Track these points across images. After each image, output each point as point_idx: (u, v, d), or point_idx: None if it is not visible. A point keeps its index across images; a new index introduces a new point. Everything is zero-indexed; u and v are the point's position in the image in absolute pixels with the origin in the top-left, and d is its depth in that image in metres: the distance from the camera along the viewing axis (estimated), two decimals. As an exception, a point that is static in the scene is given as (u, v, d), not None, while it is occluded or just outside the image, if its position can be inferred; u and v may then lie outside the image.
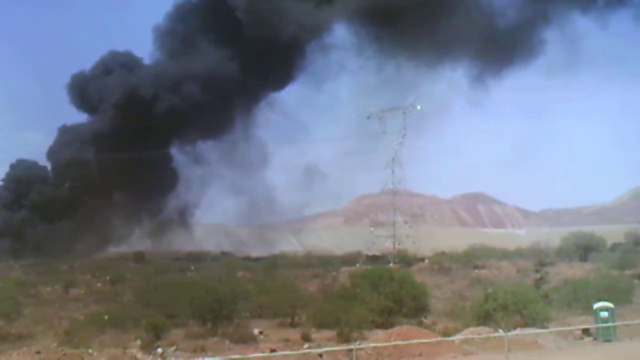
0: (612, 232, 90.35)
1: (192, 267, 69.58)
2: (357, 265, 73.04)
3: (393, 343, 27.75)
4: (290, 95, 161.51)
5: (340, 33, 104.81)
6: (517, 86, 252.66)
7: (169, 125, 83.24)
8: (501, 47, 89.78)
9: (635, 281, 55.45)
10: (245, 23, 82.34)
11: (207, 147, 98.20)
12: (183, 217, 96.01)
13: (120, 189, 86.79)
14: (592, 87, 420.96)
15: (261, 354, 26.05)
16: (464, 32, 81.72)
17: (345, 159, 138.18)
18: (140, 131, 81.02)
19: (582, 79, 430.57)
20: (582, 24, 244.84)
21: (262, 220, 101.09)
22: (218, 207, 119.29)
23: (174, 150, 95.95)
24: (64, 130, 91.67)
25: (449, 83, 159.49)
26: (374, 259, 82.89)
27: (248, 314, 40.25)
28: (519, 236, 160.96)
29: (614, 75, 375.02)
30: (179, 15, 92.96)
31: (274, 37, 76.99)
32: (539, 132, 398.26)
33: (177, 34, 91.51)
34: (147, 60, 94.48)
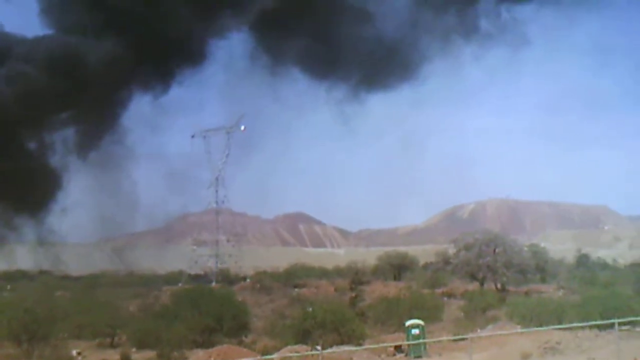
0: (424, 252, 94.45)
1: (8, 287, 66.82)
2: (180, 284, 72.75)
3: (213, 362, 28.24)
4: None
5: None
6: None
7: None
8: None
9: (445, 299, 58.74)
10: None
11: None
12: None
13: None
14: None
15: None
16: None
17: (171, 176, 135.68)
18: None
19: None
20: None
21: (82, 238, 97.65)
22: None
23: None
24: None
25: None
26: (196, 277, 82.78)
27: (66, 335, 39.23)
28: (338, 255, 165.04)
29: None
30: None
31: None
32: (356, 154, 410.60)
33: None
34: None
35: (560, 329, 31.88)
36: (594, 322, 30.91)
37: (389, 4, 73.61)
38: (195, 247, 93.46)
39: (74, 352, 34.61)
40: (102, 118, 68.90)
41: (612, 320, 25.75)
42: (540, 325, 33.19)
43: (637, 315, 33.59)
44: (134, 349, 36.08)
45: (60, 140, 69.27)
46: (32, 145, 67.42)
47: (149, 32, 63.38)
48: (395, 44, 67.52)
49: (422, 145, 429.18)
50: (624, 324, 31.08)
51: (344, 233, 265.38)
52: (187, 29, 65.69)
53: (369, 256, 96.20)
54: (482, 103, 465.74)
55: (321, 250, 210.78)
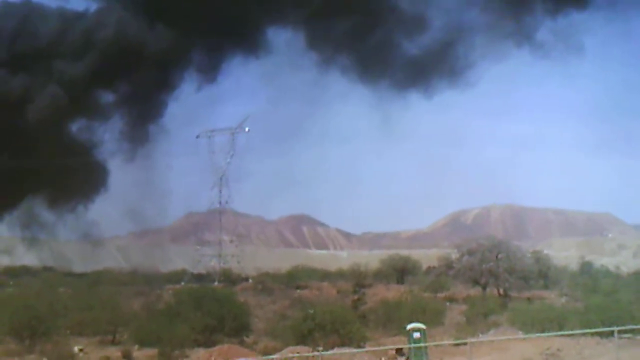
0: (427, 256, 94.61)
1: (11, 283, 66.96)
2: (182, 283, 72.86)
3: (214, 361, 28.34)
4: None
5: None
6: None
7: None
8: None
9: (447, 303, 58.80)
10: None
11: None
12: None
13: None
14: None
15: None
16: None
17: (178, 176, 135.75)
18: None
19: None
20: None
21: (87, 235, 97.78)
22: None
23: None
24: None
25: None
26: (199, 277, 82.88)
27: (68, 331, 39.44)
28: (341, 258, 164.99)
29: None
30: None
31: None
32: (360, 157, 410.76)
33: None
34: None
35: (561, 335, 31.91)
36: (594, 330, 30.93)
37: (441, 6, 74.02)
38: (198, 247, 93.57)
39: (76, 349, 34.68)
40: (149, 104, 69.01)
41: (611, 328, 25.77)
42: (542, 332, 33.18)
43: (638, 324, 33.62)
44: (135, 347, 36.19)
45: (109, 132, 70.16)
46: (82, 137, 67.86)
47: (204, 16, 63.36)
48: (445, 47, 67.41)
49: (444, 151, 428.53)
50: (625, 332, 31.12)
51: (347, 236, 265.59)
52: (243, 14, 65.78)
53: (371, 259, 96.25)
54: (519, 110, 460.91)
55: (324, 252, 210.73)
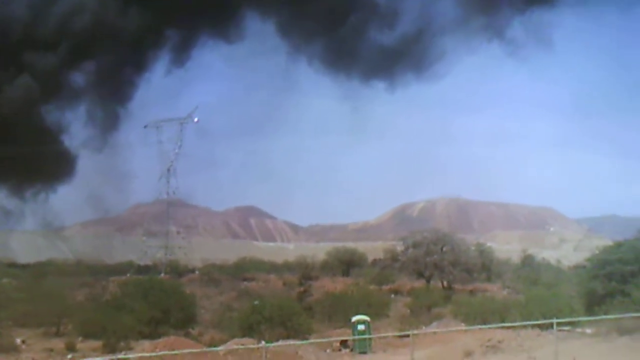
0: (374, 249, 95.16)
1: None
2: (128, 275, 72.34)
3: (158, 353, 28.30)
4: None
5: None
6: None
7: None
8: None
9: (392, 296, 59.42)
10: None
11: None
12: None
13: None
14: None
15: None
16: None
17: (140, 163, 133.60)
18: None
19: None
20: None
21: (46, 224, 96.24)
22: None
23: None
24: None
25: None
26: (145, 269, 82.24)
27: (10, 323, 38.98)
28: (288, 250, 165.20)
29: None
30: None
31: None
32: (309, 150, 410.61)
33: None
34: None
35: (502, 327, 32.55)
36: (534, 322, 31.62)
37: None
38: (145, 238, 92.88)
39: (18, 341, 34.33)
40: (119, 85, 67.85)
41: (551, 320, 26.38)
42: (484, 324, 33.80)
43: (578, 316, 34.49)
44: (79, 339, 35.95)
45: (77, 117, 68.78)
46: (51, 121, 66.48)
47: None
48: (412, 40, 67.61)
49: (394, 144, 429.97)
50: (564, 324, 31.90)
51: (294, 228, 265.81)
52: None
53: (318, 251, 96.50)
54: (480, 105, 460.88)
55: (271, 244, 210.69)
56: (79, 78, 66.82)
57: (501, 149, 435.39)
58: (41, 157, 62.46)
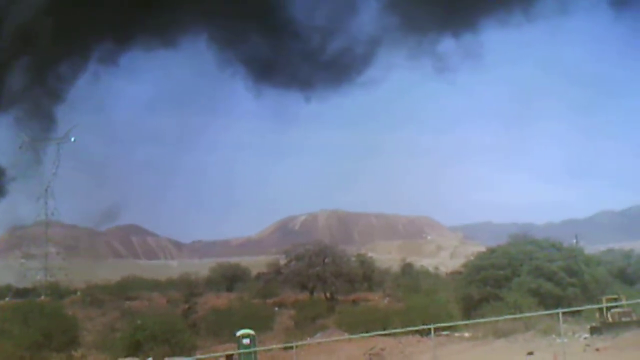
0: (257, 263, 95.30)
1: None
2: (7, 299, 70.19)
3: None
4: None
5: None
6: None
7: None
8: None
9: (276, 309, 59.89)
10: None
11: None
12: None
13: None
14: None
15: None
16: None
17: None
18: None
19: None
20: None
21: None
22: None
23: None
24: None
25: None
26: (24, 292, 79.83)
27: None
28: (172, 267, 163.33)
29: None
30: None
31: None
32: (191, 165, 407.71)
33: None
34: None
35: (384, 335, 33.54)
36: (413, 328, 32.79)
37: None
38: (23, 261, 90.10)
39: None
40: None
41: (428, 326, 27.45)
42: (367, 332, 34.66)
43: (456, 321, 35.95)
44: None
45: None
46: None
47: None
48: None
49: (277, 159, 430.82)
50: (442, 329, 33.24)
51: (177, 245, 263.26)
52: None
53: (202, 268, 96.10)
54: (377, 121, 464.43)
55: (154, 262, 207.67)
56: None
57: (374, 161, 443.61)
58: None
